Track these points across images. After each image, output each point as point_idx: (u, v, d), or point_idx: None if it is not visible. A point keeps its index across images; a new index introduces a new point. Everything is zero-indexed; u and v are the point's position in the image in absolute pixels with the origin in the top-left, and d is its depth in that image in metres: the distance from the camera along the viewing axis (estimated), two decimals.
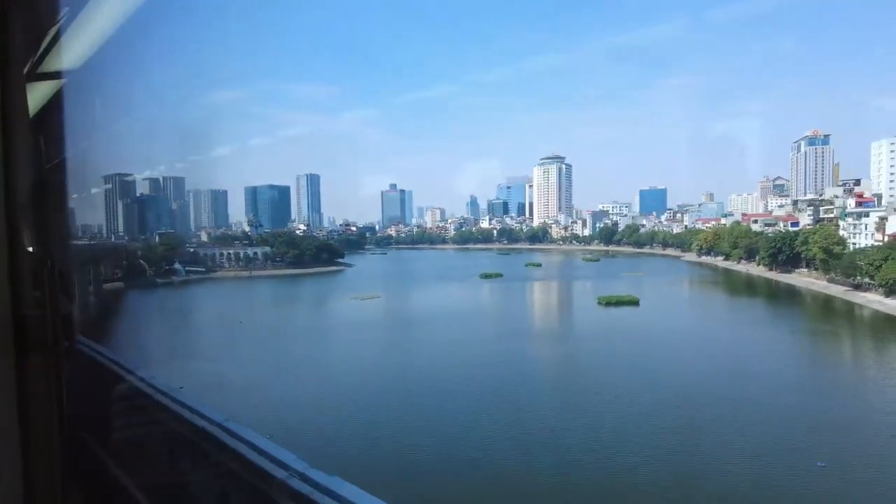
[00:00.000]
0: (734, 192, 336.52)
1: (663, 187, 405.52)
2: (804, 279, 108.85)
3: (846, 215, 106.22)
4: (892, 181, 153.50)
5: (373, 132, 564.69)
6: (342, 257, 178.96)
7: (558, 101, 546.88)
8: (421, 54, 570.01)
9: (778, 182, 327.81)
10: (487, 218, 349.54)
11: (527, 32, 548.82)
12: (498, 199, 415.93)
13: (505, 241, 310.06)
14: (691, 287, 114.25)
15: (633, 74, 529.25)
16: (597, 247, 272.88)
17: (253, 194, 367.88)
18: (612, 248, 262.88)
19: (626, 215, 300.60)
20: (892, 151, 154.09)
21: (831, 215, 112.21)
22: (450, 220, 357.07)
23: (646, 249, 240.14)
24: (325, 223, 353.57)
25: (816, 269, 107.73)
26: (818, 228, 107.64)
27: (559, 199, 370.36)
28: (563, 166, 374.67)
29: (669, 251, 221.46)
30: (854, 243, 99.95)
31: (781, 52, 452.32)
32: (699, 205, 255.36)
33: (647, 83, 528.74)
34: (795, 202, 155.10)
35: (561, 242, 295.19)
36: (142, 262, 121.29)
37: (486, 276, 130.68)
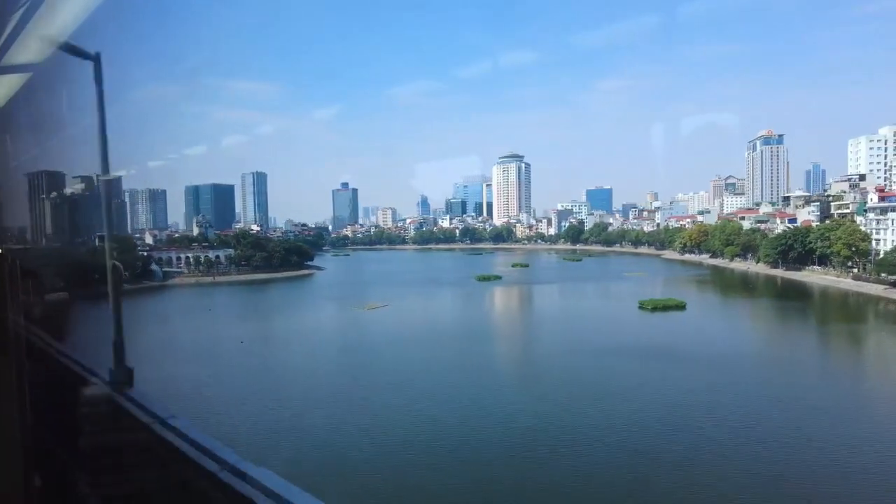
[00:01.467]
0: (679, 191, 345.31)
1: (609, 187, 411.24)
2: (821, 277, 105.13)
3: (864, 210, 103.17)
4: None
5: (317, 131, 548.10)
6: (311, 260, 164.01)
7: (503, 103, 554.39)
8: (366, 56, 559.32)
9: (730, 181, 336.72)
10: (447, 217, 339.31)
11: (476, 36, 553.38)
12: (455, 198, 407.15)
13: (468, 241, 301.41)
14: (715, 288, 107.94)
15: (575, 77, 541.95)
16: (563, 246, 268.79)
17: (195, 194, 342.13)
18: (579, 247, 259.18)
19: (580, 214, 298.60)
20: (870, 148, 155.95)
21: (846, 211, 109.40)
22: (409, 220, 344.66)
23: (616, 248, 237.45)
24: (274, 223, 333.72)
25: (834, 267, 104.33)
26: (838, 224, 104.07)
27: (519, 198, 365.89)
28: (523, 165, 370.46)
29: (643, 249, 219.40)
30: (878, 239, 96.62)
31: (716, 56, 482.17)
32: (670, 203, 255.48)
33: (587, 86, 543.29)
34: (787, 198, 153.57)
35: (526, 242, 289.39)
36: (90, 268, 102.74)
37: (485, 279, 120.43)
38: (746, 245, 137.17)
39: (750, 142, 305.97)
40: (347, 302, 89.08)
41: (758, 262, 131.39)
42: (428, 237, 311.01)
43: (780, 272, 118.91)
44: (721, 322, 73.15)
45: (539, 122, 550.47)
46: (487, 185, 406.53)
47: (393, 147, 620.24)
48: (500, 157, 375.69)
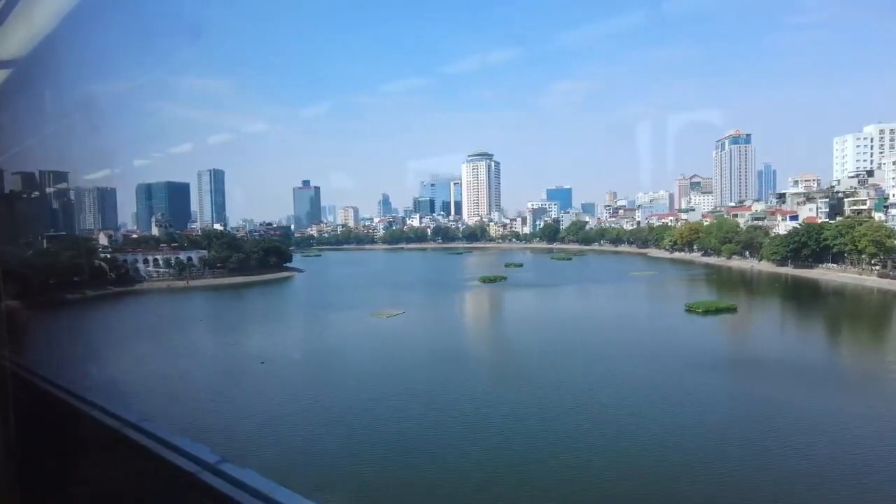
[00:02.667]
0: (639, 190, 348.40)
1: (569, 187, 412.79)
2: (839, 275, 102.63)
3: (884, 206, 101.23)
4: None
5: (275, 129, 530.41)
6: (290, 261, 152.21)
7: (461, 104, 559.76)
8: (326, 55, 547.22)
9: (695, 180, 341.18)
10: (417, 216, 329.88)
11: (436, 37, 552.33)
12: (423, 196, 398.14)
13: (440, 241, 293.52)
14: (743, 288, 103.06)
15: (531, 79, 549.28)
16: (538, 245, 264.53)
17: (147, 192, 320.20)
18: (556, 245, 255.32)
19: (552, 213, 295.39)
20: (857, 147, 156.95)
21: (862, 207, 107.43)
22: (377, 220, 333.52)
23: (594, 247, 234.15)
24: (229, 223, 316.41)
25: (853, 264, 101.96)
26: (857, 221, 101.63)
27: (489, 196, 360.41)
28: (492, 163, 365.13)
29: (623, 248, 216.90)
30: None
31: (667, 60, 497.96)
32: (650, 201, 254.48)
33: (543, 88, 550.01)
34: (781, 196, 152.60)
35: (500, 241, 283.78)
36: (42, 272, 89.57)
37: (490, 280, 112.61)
38: (747, 243, 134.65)
39: (718, 141, 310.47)
40: (354, 309, 79.29)
41: (760, 261, 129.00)
42: (398, 236, 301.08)
43: (788, 270, 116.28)
44: (788, 327, 67.58)
45: (498, 122, 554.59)
46: (455, 184, 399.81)
47: (352, 146, 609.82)
48: (469, 156, 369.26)
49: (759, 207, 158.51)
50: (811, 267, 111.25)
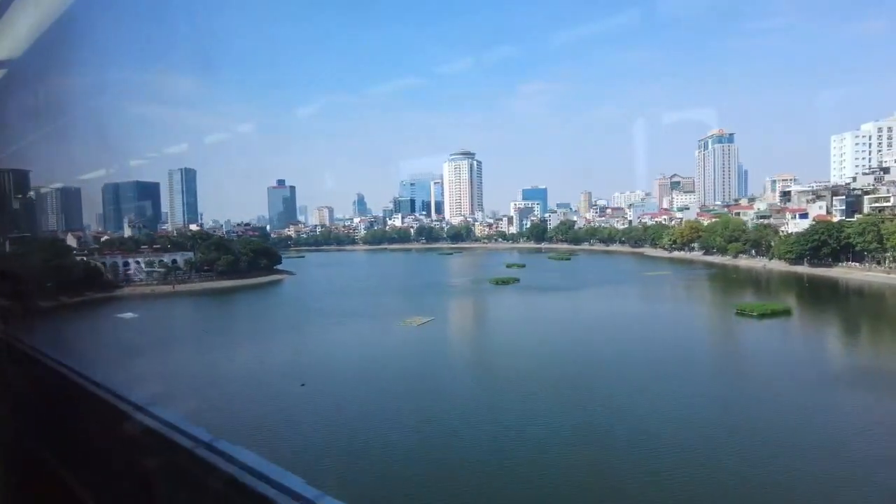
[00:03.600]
0: (616, 189, 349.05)
1: (544, 187, 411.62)
2: (864, 274, 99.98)
3: None
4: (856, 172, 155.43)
5: (244, 128, 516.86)
6: (280, 262, 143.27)
7: (436, 104, 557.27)
8: (297, 53, 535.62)
9: (675, 179, 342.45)
10: (399, 216, 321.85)
11: (408, 39, 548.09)
12: (403, 196, 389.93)
13: (423, 241, 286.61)
14: (769, 289, 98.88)
15: (504, 80, 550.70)
16: (526, 244, 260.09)
17: (114, 192, 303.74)
18: (544, 245, 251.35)
19: (534, 212, 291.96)
20: (856, 145, 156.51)
21: (886, 205, 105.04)
22: (357, 219, 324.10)
23: (584, 246, 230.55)
24: (207, 223, 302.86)
25: (879, 263, 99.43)
26: (881, 218, 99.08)
27: (472, 195, 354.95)
28: (475, 163, 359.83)
29: (616, 247, 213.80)
30: None
31: (633, 63, 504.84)
32: (641, 200, 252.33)
33: (512, 90, 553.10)
34: (786, 194, 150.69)
35: (486, 241, 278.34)
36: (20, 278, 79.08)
37: (503, 282, 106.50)
38: (755, 241, 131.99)
39: (700, 140, 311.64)
40: (376, 317, 72.11)
41: (770, 259, 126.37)
42: (380, 237, 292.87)
43: (804, 269, 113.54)
44: (862, 331, 63.19)
45: (472, 123, 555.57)
46: (436, 183, 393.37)
47: (328, 146, 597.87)
48: (450, 154, 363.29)
49: (761, 206, 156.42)
50: (829, 265, 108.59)
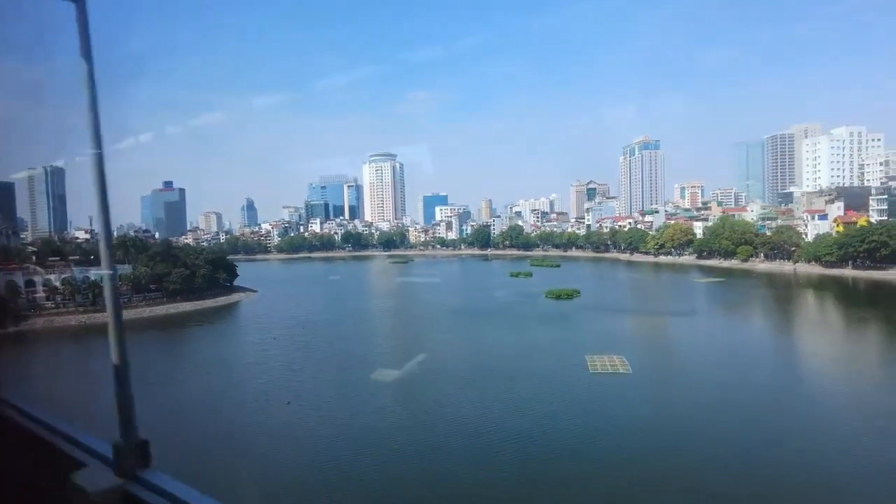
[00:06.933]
0: (521, 197, 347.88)
1: (445, 194, 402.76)
2: None
3: None
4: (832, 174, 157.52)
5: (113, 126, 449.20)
6: (236, 276, 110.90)
7: (323, 108, 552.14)
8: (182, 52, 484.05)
9: (591, 186, 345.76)
10: (318, 221, 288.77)
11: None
12: (314, 199, 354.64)
13: (350, 248, 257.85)
14: (854, 298, 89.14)
15: (391, 88, 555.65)
16: (470, 251, 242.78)
17: None
18: (490, 251, 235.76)
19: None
20: (832, 148, 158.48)
21: None
22: (272, 224, 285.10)
23: (536, 252, 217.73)
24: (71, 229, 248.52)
25: None
26: None
27: (395, 199, 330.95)
28: (397, 164, 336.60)
29: (576, 252, 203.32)
30: None
31: (510, 76, 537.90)
32: (598, 203, 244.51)
33: (401, 97, 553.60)
34: (789, 194, 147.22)
35: (422, 247, 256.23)
36: None
37: (566, 297, 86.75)
38: (776, 244, 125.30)
39: (625, 147, 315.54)
40: (537, 358, 48.91)
41: (795, 263, 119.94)
42: (299, 244, 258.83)
43: (849, 272, 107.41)
44: None
45: (360, 128, 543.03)
46: (349, 186, 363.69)
47: (213, 149, 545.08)
48: (370, 156, 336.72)
49: (755, 209, 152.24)
50: (883, 269, 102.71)
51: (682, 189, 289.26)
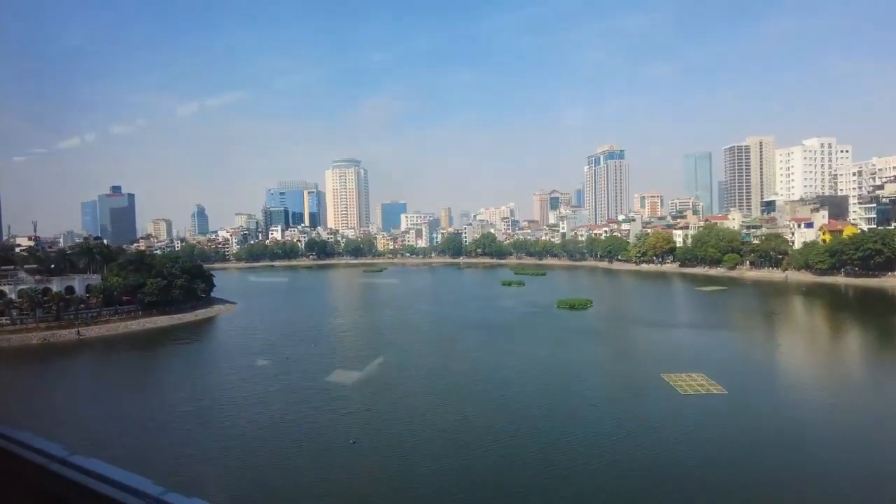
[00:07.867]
0: (481, 205, 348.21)
1: (404, 202, 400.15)
2: None
3: None
4: (805, 185, 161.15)
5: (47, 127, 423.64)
6: (213, 286, 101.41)
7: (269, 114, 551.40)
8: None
9: (554, 195, 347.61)
10: (279, 228, 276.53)
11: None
12: (273, 206, 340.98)
13: (314, 256, 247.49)
14: (875, 306, 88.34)
15: (342, 93, 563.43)
16: (441, 259, 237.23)
17: None
18: (462, 259, 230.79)
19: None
20: (804, 158, 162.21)
21: None
22: (229, 231, 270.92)
23: (510, 260, 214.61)
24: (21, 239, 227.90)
25: None
26: None
27: (359, 206, 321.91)
28: (362, 171, 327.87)
29: (551, 260, 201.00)
30: None
31: (464, 83, 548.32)
32: (573, 210, 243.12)
33: (354, 104, 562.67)
34: (770, 203, 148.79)
35: (391, 255, 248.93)
36: None
37: (580, 306, 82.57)
38: (764, 252, 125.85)
39: (590, 157, 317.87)
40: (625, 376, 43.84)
41: (785, 270, 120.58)
42: (259, 252, 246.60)
43: (842, 280, 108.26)
44: None
45: (313, 135, 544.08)
46: (310, 192, 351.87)
47: (161, 154, 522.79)
48: (334, 161, 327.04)
49: (736, 217, 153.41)
50: (876, 276, 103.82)
51: (643, 198, 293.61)
